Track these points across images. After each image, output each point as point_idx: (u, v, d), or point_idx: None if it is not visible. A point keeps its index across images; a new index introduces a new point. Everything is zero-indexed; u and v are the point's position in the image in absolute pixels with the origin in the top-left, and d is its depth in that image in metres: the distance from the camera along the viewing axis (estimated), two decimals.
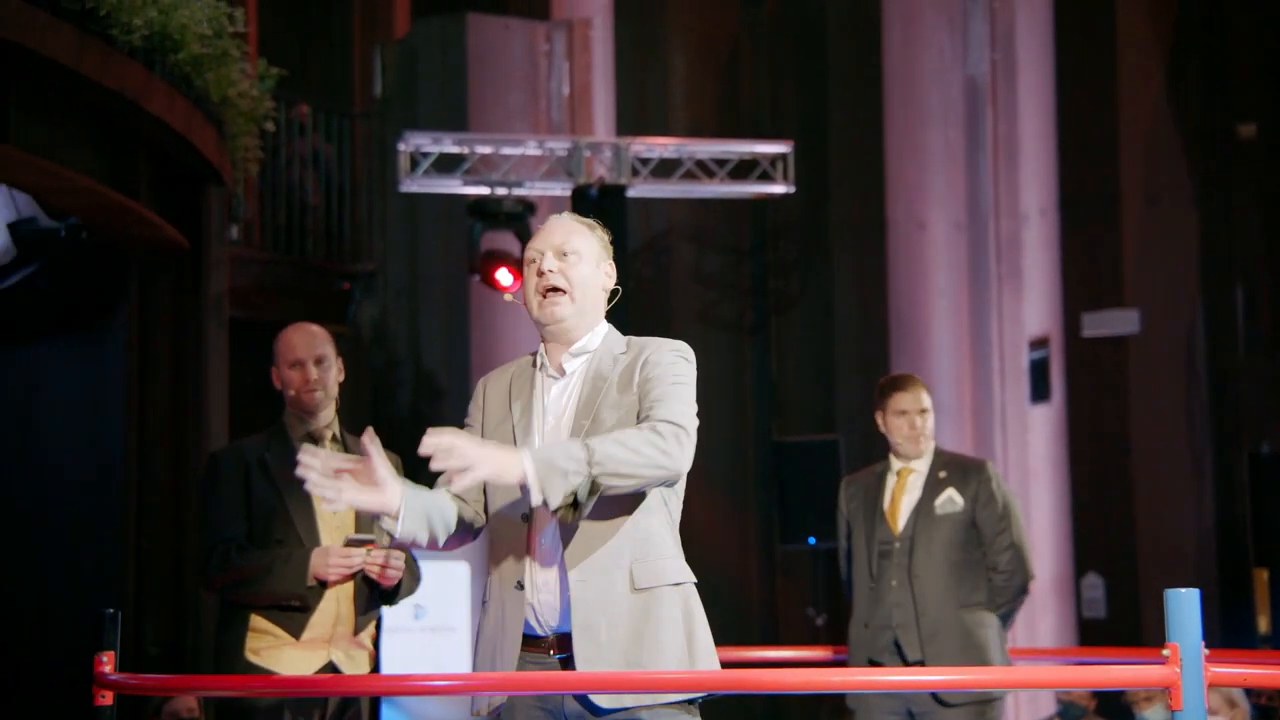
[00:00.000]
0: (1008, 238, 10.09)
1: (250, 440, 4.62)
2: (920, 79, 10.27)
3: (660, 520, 3.33)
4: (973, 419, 10.03)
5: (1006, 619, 5.50)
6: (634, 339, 3.44)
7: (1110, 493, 9.49)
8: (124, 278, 7.42)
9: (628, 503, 3.27)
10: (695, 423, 3.28)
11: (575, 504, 3.14)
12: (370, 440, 3.19)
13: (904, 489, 5.52)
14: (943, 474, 5.50)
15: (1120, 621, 9.27)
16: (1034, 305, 9.91)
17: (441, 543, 3.33)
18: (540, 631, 3.29)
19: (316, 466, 3.21)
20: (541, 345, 3.44)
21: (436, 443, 3.09)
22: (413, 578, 4.52)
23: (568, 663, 3.25)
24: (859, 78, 10.51)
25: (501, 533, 3.36)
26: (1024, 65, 10.05)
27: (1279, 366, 9.39)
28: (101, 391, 7.86)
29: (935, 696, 5.31)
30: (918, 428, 5.49)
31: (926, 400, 5.53)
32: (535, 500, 3.10)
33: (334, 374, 4.57)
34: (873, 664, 5.40)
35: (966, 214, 10.23)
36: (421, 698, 8.37)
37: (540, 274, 3.35)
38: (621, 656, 3.22)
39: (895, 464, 5.58)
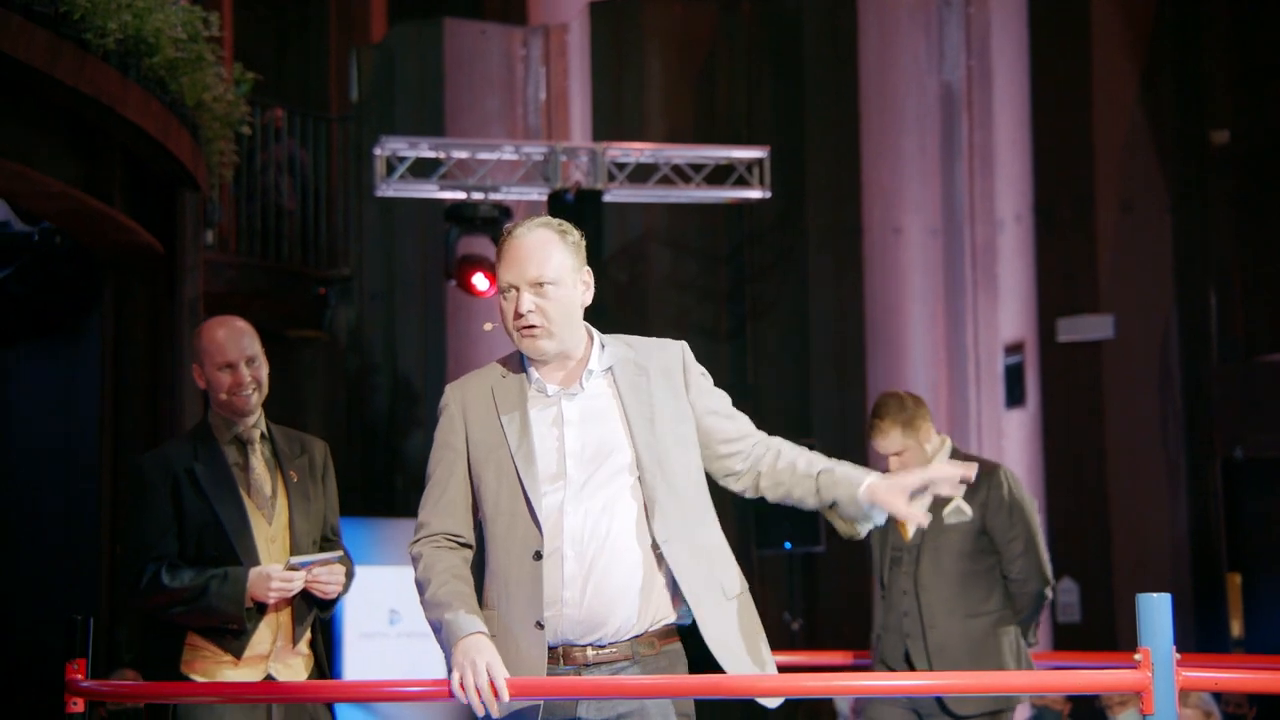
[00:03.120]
0: (983, 243, 10.13)
1: (175, 446, 4.32)
2: (896, 85, 10.30)
3: (717, 523, 3.42)
4: (948, 424, 10.06)
5: (1028, 625, 5.42)
6: (625, 338, 3.40)
7: (1084, 498, 9.52)
8: (98, 282, 7.40)
9: (708, 518, 3.39)
10: None
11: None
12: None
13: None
14: None
15: (1094, 626, 9.29)
16: (1009, 310, 9.94)
17: None
18: (556, 643, 3.21)
19: None
20: (527, 363, 3.31)
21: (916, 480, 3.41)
22: (349, 579, 4.29)
23: (596, 670, 3.21)
24: (835, 83, 10.54)
25: (507, 573, 3.23)
26: (999, 72, 10.09)
27: (1253, 372, 9.43)
28: (75, 396, 7.83)
29: (941, 704, 5.26)
30: (895, 467, 5.37)
31: (896, 443, 5.33)
32: (879, 520, 3.36)
33: (265, 370, 4.26)
34: (886, 669, 5.34)
35: (942, 219, 10.26)
36: (397, 704, 8.35)
37: (518, 314, 3.23)
38: (749, 658, 3.29)
39: None
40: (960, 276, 10.18)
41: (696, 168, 9.49)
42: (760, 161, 9.51)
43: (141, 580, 4.11)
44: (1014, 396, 9.83)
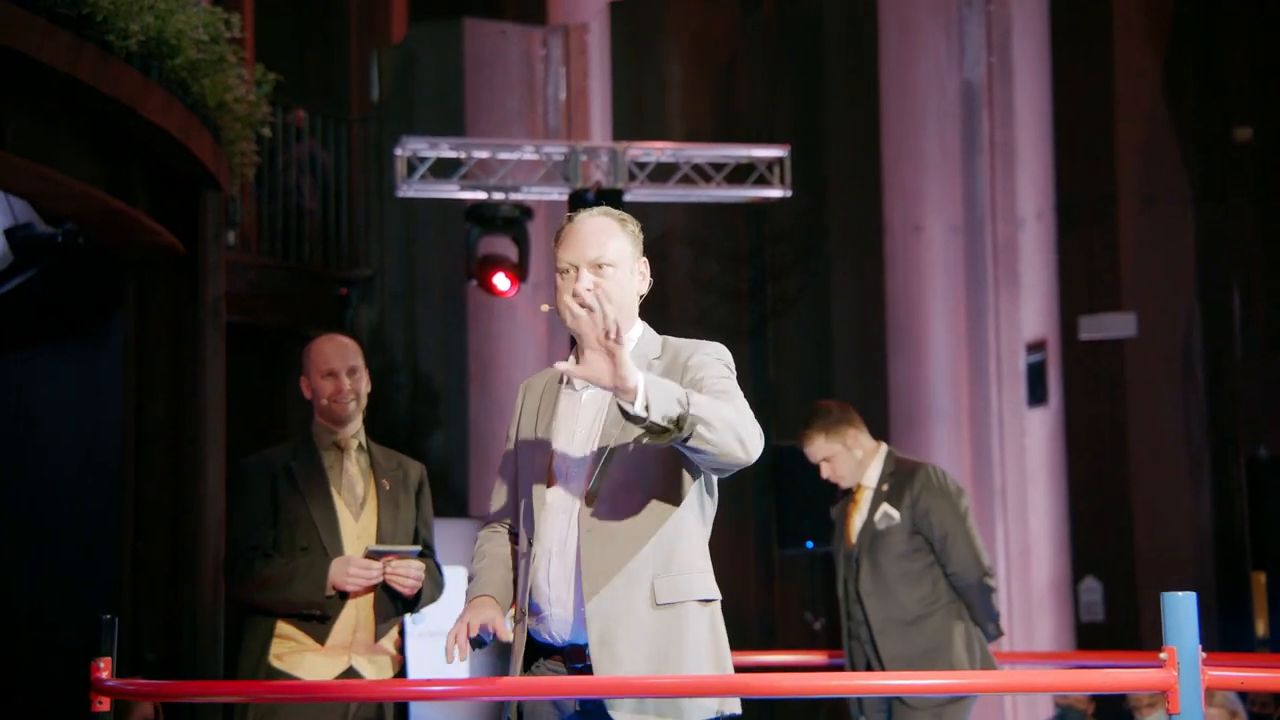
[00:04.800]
0: (1004, 241, 10.10)
1: (277, 449, 4.67)
2: (916, 83, 10.28)
3: (692, 530, 3.25)
4: (970, 423, 10.04)
5: (986, 623, 5.47)
6: (670, 340, 3.37)
7: (1108, 496, 9.49)
8: (121, 283, 7.42)
9: (655, 511, 3.21)
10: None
11: (664, 431, 3.02)
12: (500, 627, 3.22)
13: (857, 505, 5.63)
14: (885, 487, 5.55)
15: (1118, 625, 9.26)
16: (1031, 309, 9.91)
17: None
18: (558, 642, 3.25)
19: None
20: (573, 352, 3.34)
21: (588, 319, 3.04)
22: (435, 585, 4.57)
23: (584, 673, 3.21)
24: (855, 82, 10.51)
25: (519, 566, 3.34)
26: (1020, 69, 10.06)
27: (1276, 369, 9.39)
28: (98, 397, 7.86)
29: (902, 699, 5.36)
30: (827, 475, 5.60)
31: (821, 449, 5.54)
32: (638, 407, 2.95)
33: (365, 384, 4.65)
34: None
35: (963, 218, 10.23)
36: (419, 703, 8.35)
37: (575, 293, 3.25)
38: (633, 651, 3.16)
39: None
40: (982, 274, 10.15)
41: (717, 167, 9.48)
42: (781, 160, 9.50)
43: (236, 568, 4.46)
44: (1036, 395, 9.80)
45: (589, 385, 3.28)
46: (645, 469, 3.23)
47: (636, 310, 3.36)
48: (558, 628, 3.23)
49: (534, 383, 3.45)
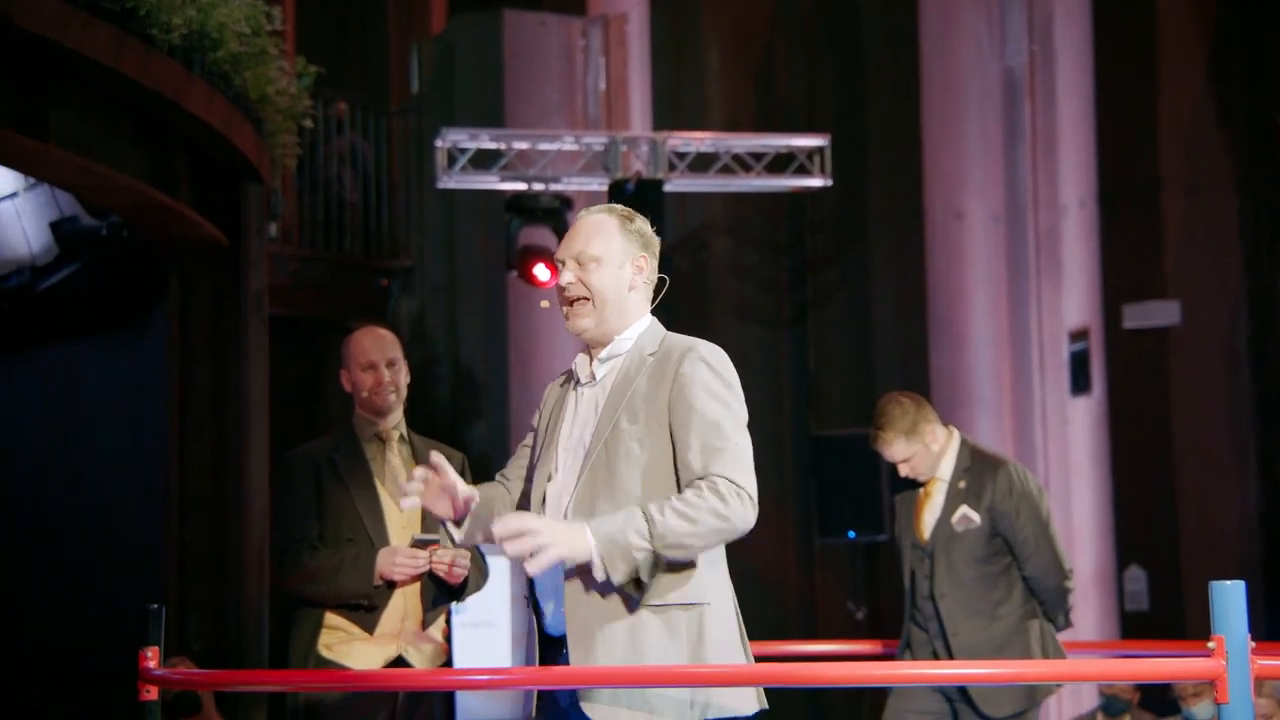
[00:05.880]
0: (1046, 229, 10.04)
1: (320, 442, 4.71)
2: (957, 70, 10.22)
3: None
4: (1012, 412, 9.99)
5: (1057, 615, 5.38)
6: (669, 336, 3.36)
7: (1152, 485, 9.43)
8: (164, 275, 7.47)
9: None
10: (747, 460, 3.17)
11: (638, 580, 3.10)
12: (438, 457, 3.26)
13: (928, 499, 5.42)
14: (962, 484, 5.32)
15: (1163, 614, 9.21)
16: (1073, 297, 9.85)
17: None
18: (555, 635, 3.29)
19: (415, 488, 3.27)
20: (582, 351, 3.41)
21: (506, 528, 3.08)
22: (480, 574, 4.59)
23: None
24: (896, 69, 10.47)
25: None
26: (1062, 55, 9.99)
27: None
28: (143, 388, 7.91)
29: (975, 709, 5.24)
30: (906, 473, 5.41)
31: (901, 451, 5.32)
32: (599, 577, 3.07)
33: (404, 376, 4.66)
34: None
35: (1005, 206, 10.17)
36: (462, 693, 8.38)
37: (559, 286, 3.35)
38: (607, 647, 3.17)
39: None
40: (1024, 263, 10.09)
41: (757, 156, 9.46)
42: (821, 149, 9.47)
43: (284, 561, 4.49)
44: (1079, 384, 9.75)
45: (590, 382, 3.34)
46: (629, 466, 3.22)
47: (632, 304, 3.36)
48: (553, 620, 3.28)
49: (558, 381, 3.50)
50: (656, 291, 3.44)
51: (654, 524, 3.06)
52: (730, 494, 3.13)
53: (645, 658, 3.14)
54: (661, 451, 3.23)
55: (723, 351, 3.32)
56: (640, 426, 3.23)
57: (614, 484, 3.22)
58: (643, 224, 3.41)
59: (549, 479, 3.34)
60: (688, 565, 3.19)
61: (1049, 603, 5.33)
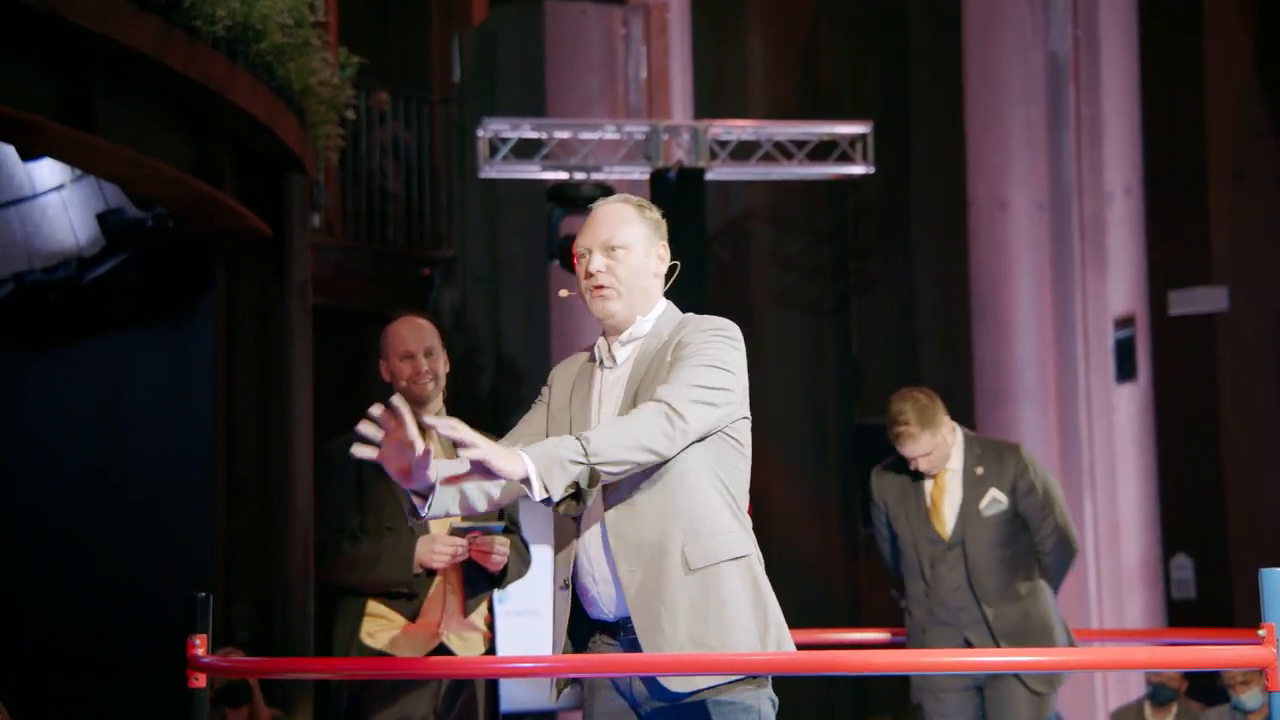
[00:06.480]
0: (1091, 217, 9.97)
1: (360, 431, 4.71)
2: (1001, 57, 10.15)
3: (710, 494, 3.28)
4: (1057, 400, 9.93)
5: (1058, 585, 5.55)
6: (687, 318, 3.44)
7: (1199, 472, 9.36)
8: (210, 266, 7.52)
9: (669, 483, 3.26)
10: (702, 399, 3.22)
11: (578, 496, 3.12)
12: (401, 403, 3.14)
13: (943, 490, 5.48)
14: (979, 470, 5.42)
15: (1210, 603, 9.14)
16: (1119, 284, 9.78)
17: (482, 509, 3.31)
18: (609, 617, 3.31)
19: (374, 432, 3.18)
20: (600, 336, 3.47)
21: (449, 421, 3.09)
22: (521, 560, 4.60)
23: (635, 645, 3.26)
24: (939, 57, 10.41)
25: (560, 530, 3.38)
26: (1107, 41, 9.91)
27: None
28: (189, 378, 7.96)
29: (1025, 685, 5.30)
30: (925, 468, 5.45)
31: (925, 445, 5.39)
32: (538, 495, 3.07)
33: (443, 364, 4.65)
34: None
35: (1049, 193, 10.10)
36: (506, 681, 8.40)
37: (589, 274, 3.39)
38: (688, 639, 3.21)
39: None
40: (1068, 250, 10.02)
41: (799, 144, 9.43)
42: (863, 137, 9.43)
43: (325, 550, 4.51)
44: (1125, 371, 9.68)
45: (612, 365, 3.41)
46: None
47: (654, 290, 3.45)
48: (606, 603, 3.30)
49: (565, 365, 3.53)
50: (667, 277, 3.50)
51: (588, 441, 3.12)
52: (657, 412, 3.19)
53: (722, 609, 3.22)
54: None
55: (733, 324, 3.39)
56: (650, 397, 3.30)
57: None
58: (655, 212, 3.51)
59: None
60: (726, 524, 3.28)
61: (1057, 574, 5.49)
